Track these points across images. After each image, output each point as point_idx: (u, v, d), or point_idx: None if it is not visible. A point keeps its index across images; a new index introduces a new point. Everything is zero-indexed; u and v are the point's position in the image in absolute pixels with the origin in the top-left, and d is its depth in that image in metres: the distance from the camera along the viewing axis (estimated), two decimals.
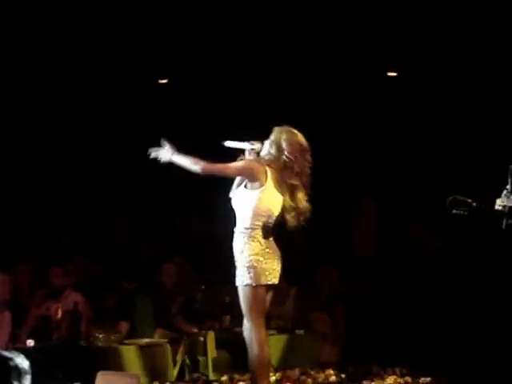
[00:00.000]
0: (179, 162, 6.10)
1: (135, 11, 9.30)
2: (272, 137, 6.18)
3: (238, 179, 6.21)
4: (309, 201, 6.13)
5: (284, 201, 6.08)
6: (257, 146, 6.20)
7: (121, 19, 9.41)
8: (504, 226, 5.20)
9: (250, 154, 6.21)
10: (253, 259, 5.95)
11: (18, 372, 3.93)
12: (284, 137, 6.14)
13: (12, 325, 8.18)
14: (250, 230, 6.00)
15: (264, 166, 6.05)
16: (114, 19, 9.39)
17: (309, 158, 6.15)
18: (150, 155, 6.20)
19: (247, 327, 6.03)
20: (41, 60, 9.90)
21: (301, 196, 6.10)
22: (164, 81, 11.07)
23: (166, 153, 6.14)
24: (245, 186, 6.10)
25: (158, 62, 10.25)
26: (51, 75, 10.17)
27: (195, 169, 6.02)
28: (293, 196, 6.09)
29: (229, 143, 6.24)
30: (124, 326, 8.29)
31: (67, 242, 10.58)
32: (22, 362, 3.99)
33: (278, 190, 6.07)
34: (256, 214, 6.01)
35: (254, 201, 6.02)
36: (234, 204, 6.16)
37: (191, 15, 9.39)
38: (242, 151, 6.23)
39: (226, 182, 6.29)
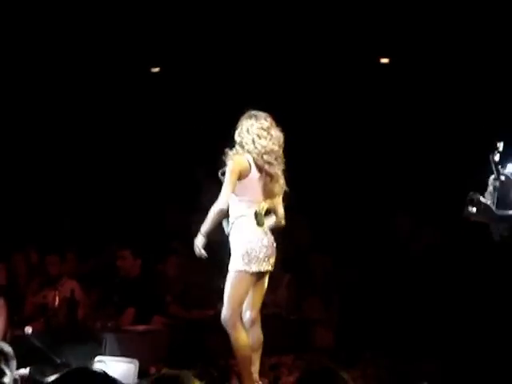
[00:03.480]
0: (208, 227, 6.08)
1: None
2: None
3: None
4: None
5: None
6: None
7: (111, 7, 9.39)
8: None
9: None
10: (247, 246, 6.05)
11: (5, 357, 4.01)
12: (242, 123, 6.20)
13: (9, 312, 8.24)
14: (243, 218, 6.10)
15: (246, 157, 6.12)
16: (105, 7, 9.36)
17: (269, 134, 6.12)
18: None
19: (223, 313, 6.15)
20: (30, 49, 9.89)
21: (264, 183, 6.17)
22: (156, 69, 11.00)
23: (198, 243, 6.16)
24: None
25: (150, 50, 10.19)
26: (41, 63, 10.15)
27: (218, 210, 6.03)
28: None
29: None
30: (131, 313, 8.33)
31: (67, 231, 10.57)
32: (7, 347, 4.08)
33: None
34: (247, 202, 6.11)
35: (242, 190, 6.10)
36: None
37: (183, 2, 9.38)
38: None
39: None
